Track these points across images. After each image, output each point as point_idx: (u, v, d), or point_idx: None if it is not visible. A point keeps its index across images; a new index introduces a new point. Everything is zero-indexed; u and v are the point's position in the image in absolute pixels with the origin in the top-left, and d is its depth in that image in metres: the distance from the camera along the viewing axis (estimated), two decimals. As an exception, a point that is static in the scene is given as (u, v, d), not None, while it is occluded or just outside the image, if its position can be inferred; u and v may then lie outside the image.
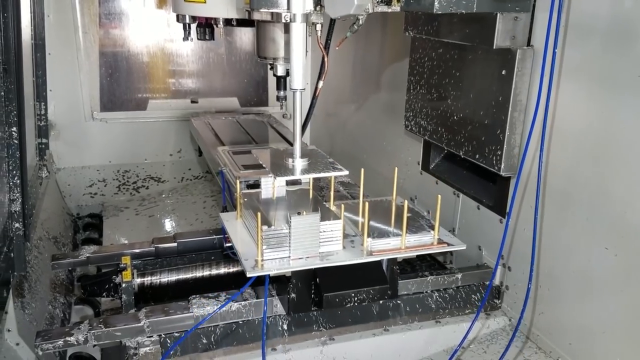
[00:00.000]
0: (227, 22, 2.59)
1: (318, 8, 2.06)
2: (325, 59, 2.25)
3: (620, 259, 2.02)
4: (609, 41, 2.02)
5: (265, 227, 2.05)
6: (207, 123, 4.32)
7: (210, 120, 4.40)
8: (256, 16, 2.15)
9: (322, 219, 2.12)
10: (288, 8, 2.03)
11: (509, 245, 2.55)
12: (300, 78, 2.13)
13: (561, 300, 2.31)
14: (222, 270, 2.84)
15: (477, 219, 2.78)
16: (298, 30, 2.06)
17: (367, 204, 2.16)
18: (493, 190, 2.69)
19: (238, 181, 2.46)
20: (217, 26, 2.67)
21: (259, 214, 2.00)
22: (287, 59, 2.23)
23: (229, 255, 2.72)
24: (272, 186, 2.43)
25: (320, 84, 2.37)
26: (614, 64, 2.00)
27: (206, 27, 2.82)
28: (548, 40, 2.13)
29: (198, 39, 2.86)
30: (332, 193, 2.50)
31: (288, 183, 2.52)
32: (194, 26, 2.82)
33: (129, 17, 4.52)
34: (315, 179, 2.53)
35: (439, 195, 2.22)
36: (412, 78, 3.14)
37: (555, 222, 2.31)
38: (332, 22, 2.60)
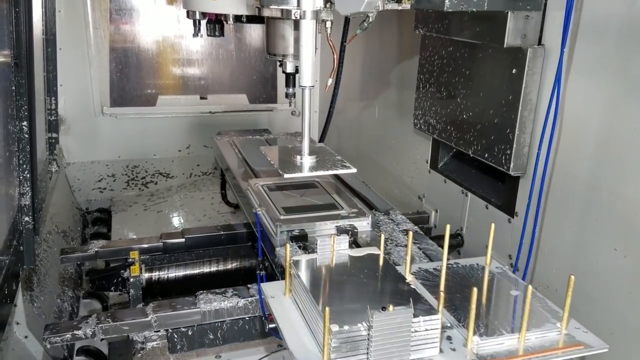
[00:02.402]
0: (237, 18, 2.58)
1: (328, 5, 2.04)
2: (335, 57, 2.23)
3: (629, 260, 2.01)
4: (621, 40, 2.00)
5: (335, 328, 1.46)
6: (232, 144, 3.78)
7: (237, 141, 3.82)
8: (266, 13, 2.13)
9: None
10: (298, 5, 2.02)
11: (517, 246, 2.54)
12: (309, 75, 2.11)
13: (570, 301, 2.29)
14: (230, 266, 2.86)
15: (486, 218, 2.77)
16: (308, 27, 2.05)
17: (474, 289, 1.49)
18: (502, 190, 2.67)
19: (287, 246, 1.87)
20: (226, 22, 2.67)
21: (327, 310, 1.41)
22: (297, 55, 2.21)
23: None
24: (332, 249, 1.92)
25: (330, 81, 2.35)
26: (627, 63, 1.98)
27: (216, 23, 2.82)
28: (565, 38, 2.11)
29: (208, 35, 2.87)
30: (408, 258, 1.89)
31: (351, 246, 2.06)
32: (203, 22, 2.82)
33: (139, 13, 4.54)
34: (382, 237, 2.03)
35: (572, 276, 1.60)
36: (421, 76, 3.12)
37: (564, 223, 2.29)
38: (347, 20, 2.59)
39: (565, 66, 2.14)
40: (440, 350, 1.54)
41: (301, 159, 2.29)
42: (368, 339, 1.45)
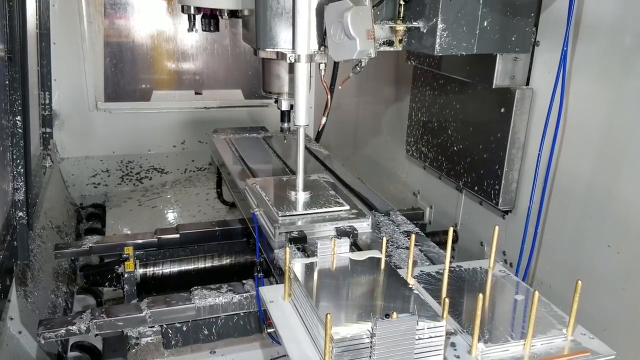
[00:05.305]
0: (232, 13, 2.58)
1: (322, 48, 2.11)
2: (328, 97, 2.30)
3: (622, 257, 2.02)
4: (615, 50, 2.03)
5: (337, 335, 1.42)
6: (229, 142, 3.69)
7: (233, 139, 3.75)
8: (262, 54, 2.20)
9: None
10: (293, 48, 2.09)
11: (511, 242, 2.55)
12: (303, 115, 2.20)
13: (562, 297, 2.30)
14: (224, 261, 2.86)
15: (480, 214, 2.78)
16: (302, 70, 2.12)
17: (480, 296, 1.47)
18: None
19: (287, 249, 1.81)
20: (221, 17, 2.66)
21: (329, 317, 1.38)
22: (291, 94, 2.30)
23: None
24: (332, 252, 1.86)
25: (324, 120, 2.45)
26: (624, 72, 2.00)
27: (211, 18, 2.81)
28: (567, 40, 2.12)
29: (203, 30, 2.86)
30: (410, 262, 1.87)
31: (352, 249, 1.98)
32: (198, 17, 2.82)
33: (134, 7, 4.52)
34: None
35: (579, 281, 1.56)
36: (413, 105, 3.18)
37: (559, 220, 2.30)
38: (336, 64, 2.62)
39: (567, 68, 2.15)
40: (445, 358, 1.50)
41: (296, 194, 2.38)
42: (371, 347, 1.40)
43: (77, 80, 4.37)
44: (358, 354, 1.42)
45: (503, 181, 2.47)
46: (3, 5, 2.28)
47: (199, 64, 4.82)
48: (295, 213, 2.29)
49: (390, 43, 2.20)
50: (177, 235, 3.01)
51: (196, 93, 4.85)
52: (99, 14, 4.38)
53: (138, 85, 4.71)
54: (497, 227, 1.84)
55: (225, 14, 2.61)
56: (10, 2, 2.32)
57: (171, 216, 4.20)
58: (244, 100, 4.94)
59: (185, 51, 4.75)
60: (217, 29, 2.83)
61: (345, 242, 1.89)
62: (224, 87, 4.93)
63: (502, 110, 2.43)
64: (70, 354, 2.53)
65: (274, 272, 2.24)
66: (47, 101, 3.98)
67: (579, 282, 1.55)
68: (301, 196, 2.37)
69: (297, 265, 1.80)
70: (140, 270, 2.68)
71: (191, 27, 2.81)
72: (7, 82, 2.32)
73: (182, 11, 2.77)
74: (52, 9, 4.05)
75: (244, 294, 2.32)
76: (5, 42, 2.31)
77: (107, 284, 2.76)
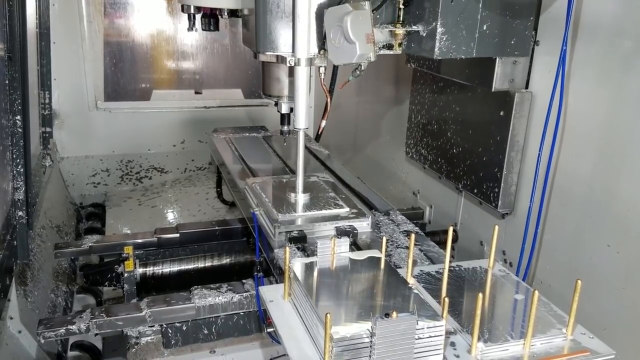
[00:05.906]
0: (232, 13, 2.58)
1: (322, 52, 2.11)
2: (328, 100, 2.30)
3: (622, 257, 2.02)
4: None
5: (336, 334, 1.42)
6: (229, 142, 3.68)
7: (233, 139, 3.74)
8: (262, 58, 2.21)
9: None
10: (293, 52, 2.09)
11: (511, 242, 2.55)
12: (303, 118, 2.21)
13: (562, 297, 2.30)
14: (224, 261, 2.86)
15: (480, 214, 2.78)
16: (302, 73, 2.14)
17: (479, 295, 1.48)
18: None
19: (287, 249, 1.82)
20: (221, 17, 2.66)
21: (328, 316, 1.38)
22: (291, 97, 2.31)
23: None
24: (332, 252, 1.85)
25: (323, 123, 2.46)
26: (624, 72, 2.00)
27: (211, 17, 2.81)
28: (565, 40, 2.12)
29: (202, 29, 2.86)
30: (410, 261, 1.87)
31: (352, 248, 1.98)
32: (198, 16, 2.82)
33: (133, 7, 4.51)
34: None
35: (579, 281, 1.56)
36: (413, 107, 3.18)
37: (559, 220, 2.31)
38: (336, 67, 2.63)
39: (567, 69, 2.16)
40: (444, 357, 1.50)
41: (295, 196, 2.38)
42: (370, 346, 1.40)
43: (77, 79, 4.37)
44: (358, 353, 1.42)
45: (502, 184, 2.48)
46: (3, 4, 2.28)
47: (198, 63, 4.82)
48: (294, 214, 2.29)
49: (389, 46, 2.20)
50: (177, 235, 3.01)
51: (196, 92, 4.85)
52: (98, 14, 4.37)
53: (138, 84, 4.70)
54: (496, 227, 1.84)
55: (225, 14, 2.61)
56: (10, 1, 2.32)
57: (171, 216, 4.20)
58: (244, 100, 4.94)
59: (185, 50, 4.75)
60: (217, 28, 2.83)
61: (345, 242, 1.89)
62: (224, 86, 4.93)
63: (502, 113, 2.43)
64: (70, 353, 2.53)
65: (273, 272, 2.24)
66: (47, 101, 3.98)
67: (579, 281, 1.55)
68: (301, 198, 2.38)
69: (296, 264, 1.80)
70: (140, 270, 2.68)
71: (191, 27, 2.81)
72: (7, 82, 2.32)
73: (182, 10, 2.77)
74: (52, 9, 4.05)
75: (244, 294, 2.32)
76: (5, 41, 2.31)
77: (106, 283, 2.76)
